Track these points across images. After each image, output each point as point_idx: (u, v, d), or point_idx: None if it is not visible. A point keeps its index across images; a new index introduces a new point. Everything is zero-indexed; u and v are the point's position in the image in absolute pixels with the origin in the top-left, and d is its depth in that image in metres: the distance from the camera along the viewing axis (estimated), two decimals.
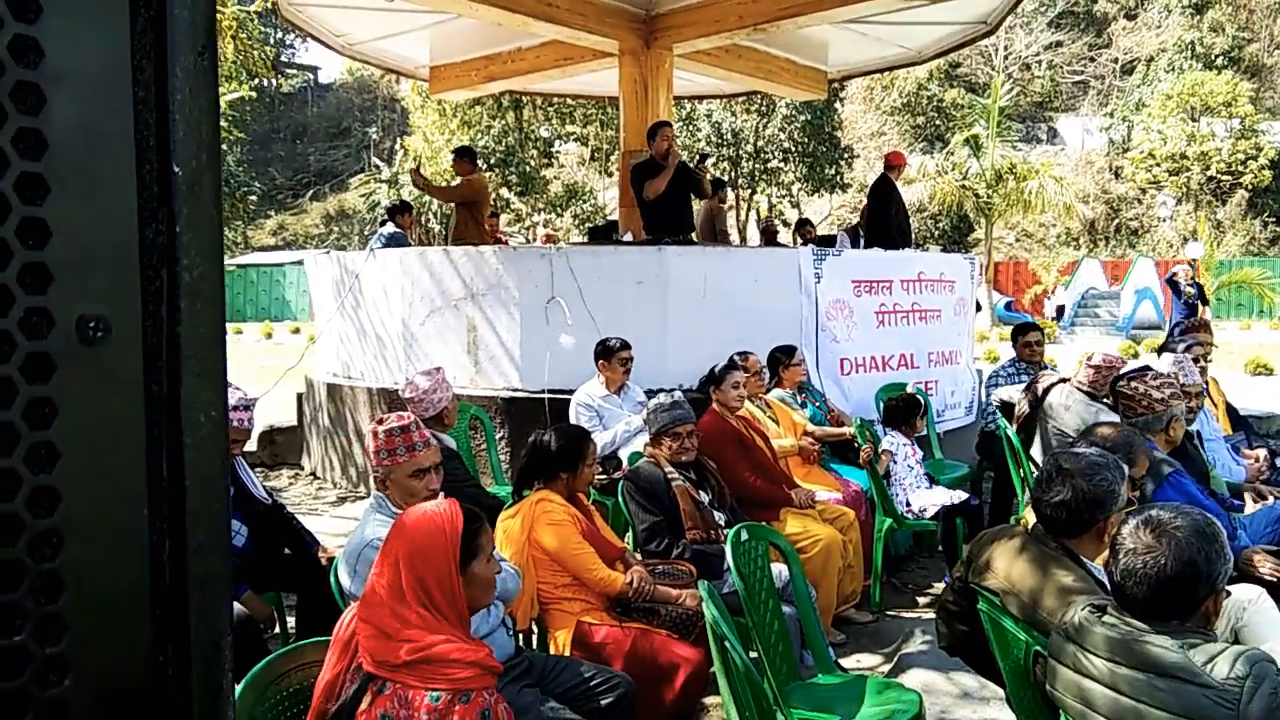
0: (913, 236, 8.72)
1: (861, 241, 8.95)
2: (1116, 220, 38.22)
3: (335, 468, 7.52)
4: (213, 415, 0.66)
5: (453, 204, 8.80)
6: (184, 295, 0.64)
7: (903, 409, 5.27)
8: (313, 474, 7.93)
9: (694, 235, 7.90)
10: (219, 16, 12.02)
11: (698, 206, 8.88)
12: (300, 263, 30.18)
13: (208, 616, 0.68)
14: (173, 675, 0.66)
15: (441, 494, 3.04)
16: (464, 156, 9.15)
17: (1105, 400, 4.66)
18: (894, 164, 8.95)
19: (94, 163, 0.62)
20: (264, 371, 10.47)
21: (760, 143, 26.78)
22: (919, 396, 5.44)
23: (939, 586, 5.08)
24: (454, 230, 8.61)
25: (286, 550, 3.99)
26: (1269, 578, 3.20)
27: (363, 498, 6.93)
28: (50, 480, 0.60)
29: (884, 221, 8.66)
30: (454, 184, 8.90)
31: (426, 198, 27.09)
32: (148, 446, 0.64)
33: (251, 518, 3.86)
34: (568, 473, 3.38)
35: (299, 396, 8.38)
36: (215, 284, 0.66)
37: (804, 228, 11.04)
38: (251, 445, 8.11)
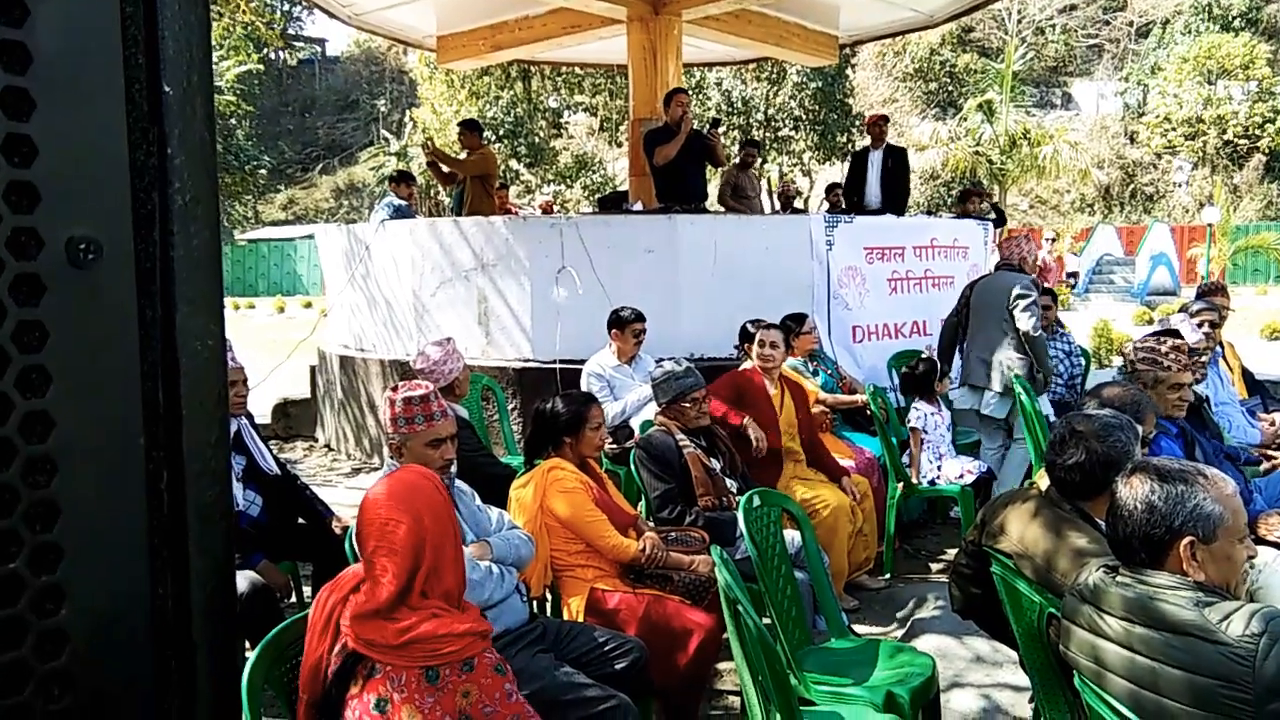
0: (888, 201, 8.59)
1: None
2: (1132, 186, 37.79)
3: (349, 439, 7.55)
4: (210, 344, 0.64)
5: (466, 177, 8.72)
6: (177, 219, 0.62)
7: (921, 376, 5.22)
8: (327, 446, 7.97)
9: (716, 203, 7.84)
10: None
11: (716, 177, 8.83)
12: (311, 237, 30.20)
13: (208, 548, 0.66)
14: (173, 608, 0.65)
15: (454, 464, 3.05)
16: (472, 129, 9.09)
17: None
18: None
19: (81, 79, 0.60)
20: (276, 345, 10.50)
21: (771, 111, 26.53)
22: (935, 360, 5.37)
23: (952, 552, 5.08)
24: (469, 203, 8.55)
25: (301, 520, 4.02)
26: None
27: (376, 469, 6.97)
28: (42, 405, 0.59)
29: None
30: (470, 157, 8.80)
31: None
32: (143, 373, 0.62)
33: (264, 488, 3.89)
34: (571, 437, 3.38)
35: (312, 369, 8.42)
36: (209, 209, 0.64)
37: (833, 192, 10.94)
38: (266, 418, 8.16)
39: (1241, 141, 35.04)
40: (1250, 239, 26.31)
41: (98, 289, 0.61)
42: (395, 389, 2.97)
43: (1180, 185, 36.59)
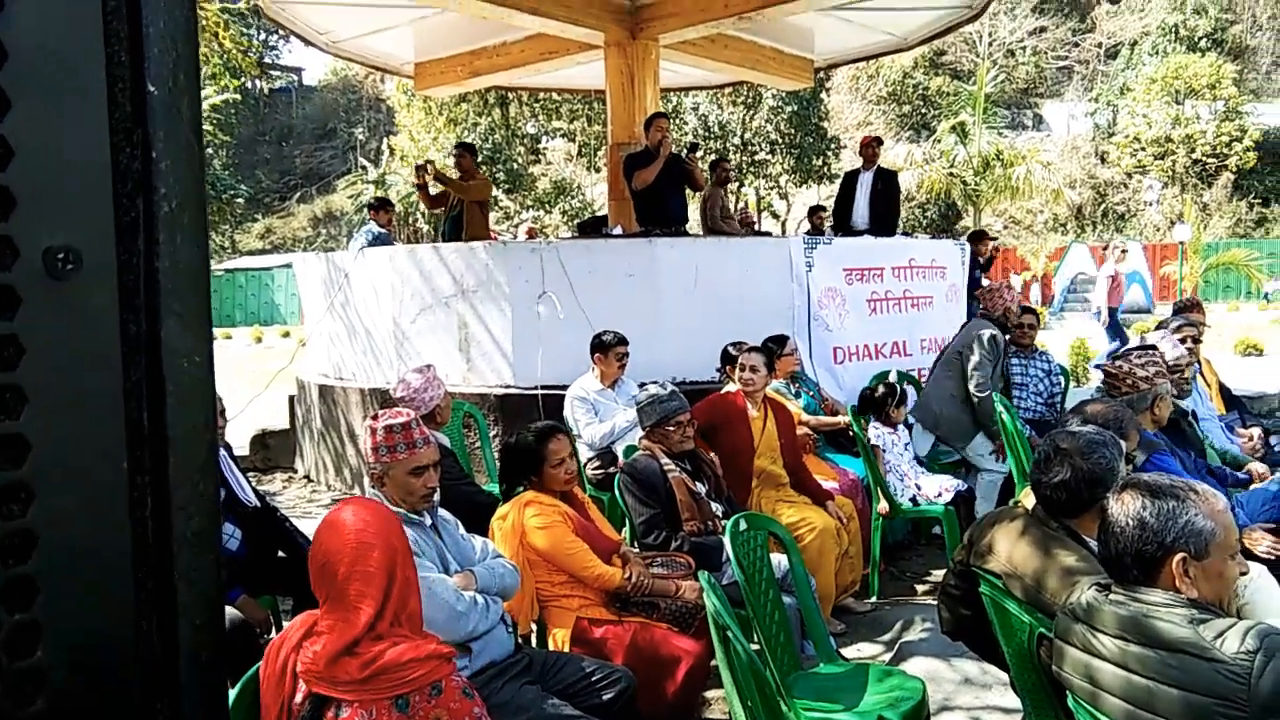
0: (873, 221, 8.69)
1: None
2: (1103, 205, 38.32)
3: (329, 469, 7.47)
4: (197, 361, 0.61)
5: (466, 201, 8.56)
6: (162, 227, 0.59)
7: (877, 400, 5.25)
8: (306, 477, 7.89)
9: (698, 225, 7.84)
10: (202, 15, 11.94)
11: (695, 200, 8.84)
12: (289, 266, 30.06)
13: (196, 580, 0.62)
14: (160, 646, 0.61)
15: (437, 492, 3.01)
16: (469, 152, 8.95)
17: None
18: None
19: (60, 77, 0.57)
20: (254, 375, 10.41)
21: (747, 135, 26.74)
22: (896, 386, 5.40)
23: (937, 574, 5.07)
24: (469, 228, 8.44)
25: (281, 554, 3.96)
26: (1266, 555, 3.20)
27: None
28: (18, 428, 0.56)
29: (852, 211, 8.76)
30: (473, 181, 8.68)
31: (415, 196, 26.99)
32: (126, 392, 0.58)
33: (243, 521, 3.82)
34: (534, 475, 3.34)
35: (290, 399, 8.34)
36: (197, 217, 0.61)
37: (816, 214, 11.01)
38: (244, 449, 8.07)
39: (1210, 160, 35.65)
40: (1221, 256, 26.69)
41: (77, 302, 0.58)
42: (376, 417, 2.93)
43: (1151, 204, 37.14)
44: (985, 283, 9.33)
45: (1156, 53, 38.37)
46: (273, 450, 8.41)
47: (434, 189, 8.83)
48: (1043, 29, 42.13)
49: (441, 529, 2.96)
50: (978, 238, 10.37)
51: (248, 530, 3.82)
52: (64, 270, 0.57)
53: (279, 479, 7.93)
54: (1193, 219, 27.57)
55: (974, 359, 5.22)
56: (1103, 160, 39.00)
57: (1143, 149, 36.49)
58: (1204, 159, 35.69)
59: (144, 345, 0.59)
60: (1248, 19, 40.53)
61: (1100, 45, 42.26)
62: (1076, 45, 42.78)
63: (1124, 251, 17.09)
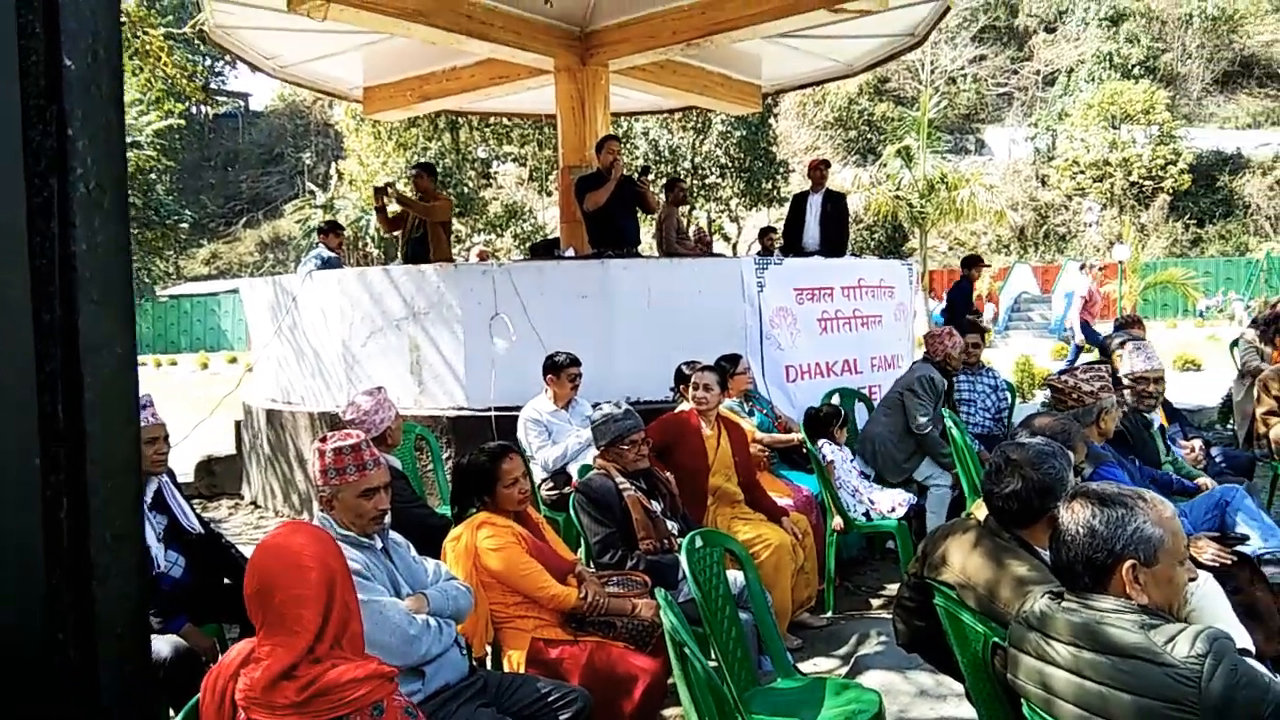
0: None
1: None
2: (1045, 226, 39.28)
3: (277, 495, 7.33)
4: (118, 351, 0.57)
5: (431, 222, 8.37)
6: (78, 208, 0.55)
7: (821, 419, 5.31)
8: (253, 503, 7.73)
9: (652, 247, 7.84)
10: (146, 41, 11.77)
11: (648, 222, 8.87)
12: (235, 291, 29.59)
13: (117, 586, 0.58)
14: (74, 657, 0.56)
15: (389, 515, 2.97)
16: (428, 173, 8.68)
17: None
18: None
19: None
20: (200, 402, 10.20)
21: (697, 159, 26.98)
22: (838, 407, 5.49)
23: (892, 588, 5.11)
24: (435, 250, 8.27)
25: (226, 580, 3.87)
26: (1211, 564, 3.27)
27: None
28: None
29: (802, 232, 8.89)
30: (435, 203, 8.48)
31: (364, 220, 26.78)
32: (39, 384, 0.55)
33: (187, 548, 3.73)
34: (487, 495, 3.31)
35: (237, 424, 8.18)
36: (116, 199, 0.57)
37: (767, 235, 11.11)
38: (189, 476, 7.89)
39: (1146, 182, 36.78)
40: (1159, 275, 27.46)
41: None
42: (324, 439, 2.88)
43: (1090, 225, 38.17)
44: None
45: (1092, 80, 39.57)
46: (218, 476, 8.23)
47: (392, 211, 8.67)
48: (982, 57, 43.24)
49: (393, 552, 2.91)
50: (973, 262, 10.44)
51: (192, 558, 3.73)
52: None
53: (225, 505, 7.76)
54: (1131, 239, 28.36)
55: (915, 401, 5.41)
56: (1043, 183, 40.03)
57: (1081, 172, 37.55)
58: (1140, 181, 36.81)
59: (60, 335, 0.56)
60: (1178, 47, 42.00)
61: (1038, 73, 43.48)
62: (1015, 73, 43.95)
63: (1101, 269, 17.29)
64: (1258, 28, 42.42)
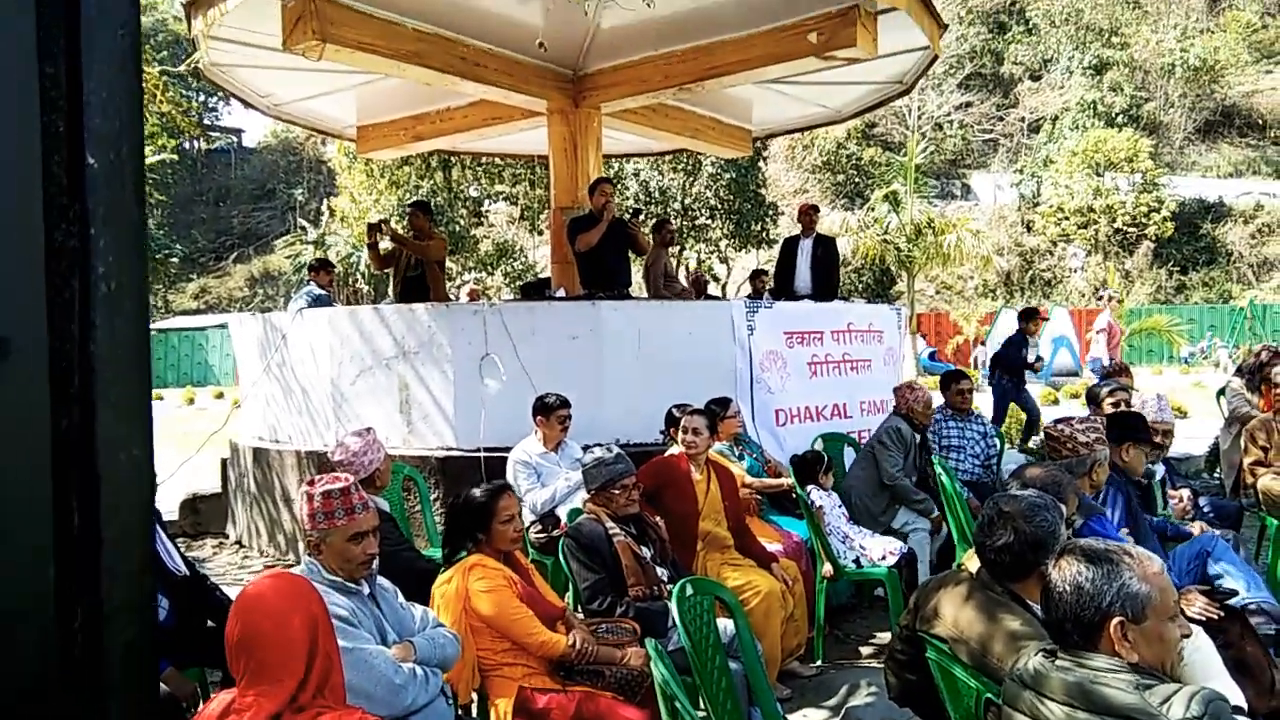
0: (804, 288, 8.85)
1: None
2: (1030, 271, 39.65)
3: (262, 535, 7.25)
4: (134, 454, 0.56)
5: (429, 260, 8.36)
6: (99, 308, 0.54)
7: (807, 465, 5.32)
8: (238, 542, 7.64)
9: (641, 289, 7.88)
10: (143, 77, 11.83)
11: (640, 264, 8.91)
12: (224, 326, 29.52)
13: (131, 698, 0.57)
14: None
15: (377, 559, 2.94)
16: (424, 211, 8.71)
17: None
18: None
19: None
20: (186, 438, 10.11)
21: (687, 200, 27.18)
22: (823, 454, 5.51)
23: (881, 636, 5.07)
24: (435, 288, 8.29)
25: (210, 623, 3.81)
26: (1198, 617, 3.26)
27: (291, 565, 6.69)
28: None
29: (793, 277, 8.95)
30: (429, 241, 8.50)
31: (355, 257, 26.79)
32: (55, 490, 0.53)
33: (171, 590, 3.68)
34: (482, 533, 3.29)
35: (223, 462, 8.11)
36: (137, 296, 0.56)
37: (758, 278, 11.17)
38: (173, 514, 7.80)
39: (1130, 229, 37.25)
40: (1144, 321, 27.66)
41: (3, 393, 0.53)
42: (313, 482, 2.86)
43: (1075, 271, 38.55)
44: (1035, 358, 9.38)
45: (1077, 127, 40.20)
46: (203, 515, 8.14)
47: (384, 248, 8.70)
48: (969, 104, 43.90)
49: (380, 598, 2.88)
50: (1028, 316, 10.15)
51: (176, 600, 3.67)
52: None
53: (209, 545, 7.66)
54: (1116, 285, 28.64)
55: (885, 453, 5.54)
56: (1028, 229, 40.48)
57: (1066, 218, 38.01)
58: (1124, 228, 37.28)
59: (76, 438, 0.54)
60: (1160, 97, 42.77)
61: (1023, 120, 44.15)
62: (1001, 119, 44.62)
63: (1119, 301, 16.98)
64: (1238, 78, 43.28)
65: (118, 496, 0.56)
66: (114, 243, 0.56)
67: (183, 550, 3.94)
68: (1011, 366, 9.95)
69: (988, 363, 10.72)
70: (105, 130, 0.56)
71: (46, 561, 0.54)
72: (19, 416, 0.53)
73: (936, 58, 8.17)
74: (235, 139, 54.15)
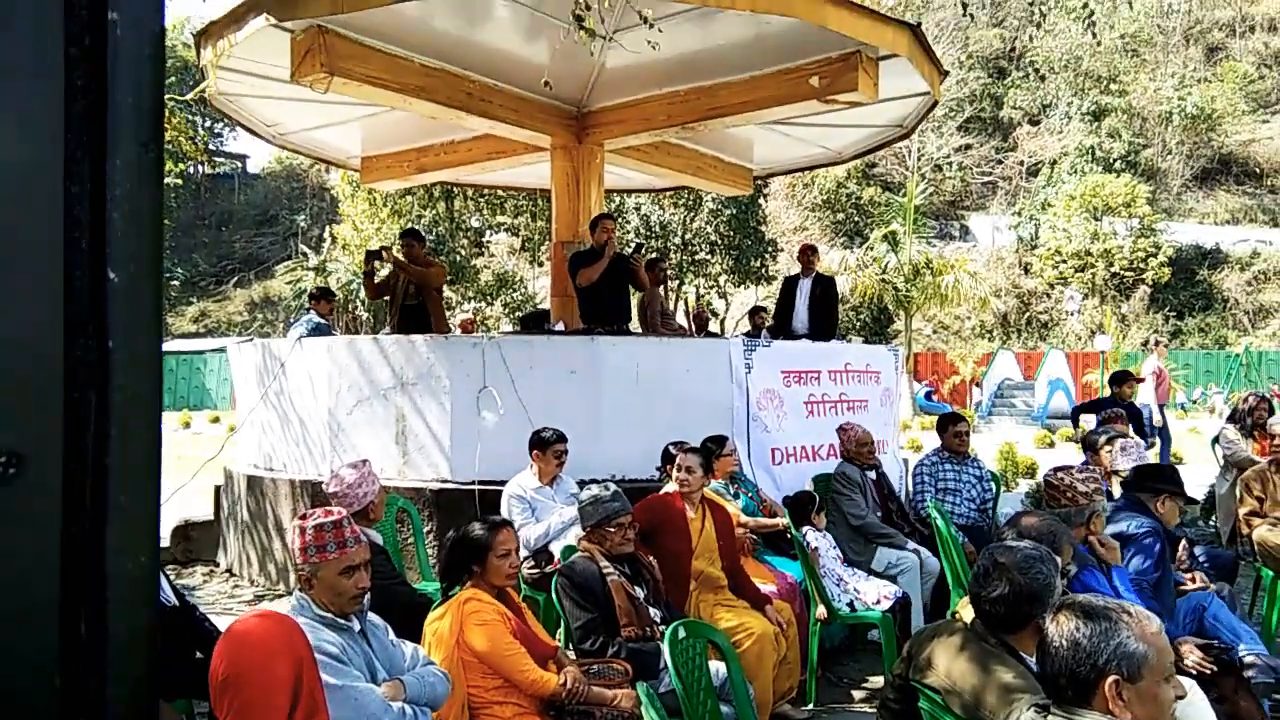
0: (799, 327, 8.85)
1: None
2: (1027, 313, 39.84)
3: (253, 564, 7.21)
4: (142, 561, 0.56)
5: (429, 288, 8.31)
6: (115, 420, 0.54)
7: (800, 505, 5.32)
8: (229, 571, 7.59)
9: (637, 325, 7.89)
10: None
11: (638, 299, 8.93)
12: (222, 350, 29.51)
13: None
14: None
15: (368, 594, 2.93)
16: (418, 240, 8.59)
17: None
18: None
19: (12, 267, 0.53)
20: (181, 463, 10.07)
21: (688, 235, 27.37)
22: (814, 494, 5.52)
23: (874, 680, 5.04)
24: (435, 316, 8.25)
25: (199, 654, 3.78)
26: (1193, 670, 3.25)
27: (281, 595, 6.65)
28: None
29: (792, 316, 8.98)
30: (430, 269, 8.47)
31: (355, 284, 26.88)
32: (62, 602, 0.52)
33: (161, 620, 3.66)
34: (478, 565, 3.28)
35: (216, 489, 8.07)
36: (151, 406, 0.56)
37: (757, 314, 11.21)
38: (165, 540, 7.76)
39: (1127, 274, 37.48)
40: (1140, 366, 27.76)
41: (15, 509, 0.53)
42: (305, 516, 2.85)
43: (1072, 314, 38.70)
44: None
45: (1075, 172, 40.59)
46: (195, 543, 8.09)
47: (380, 276, 8.68)
48: (968, 146, 44.35)
49: (370, 635, 2.87)
50: (1122, 379, 9.50)
51: (164, 630, 3.65)
52: (5, 475, 0.52)
53: (200, 573, 7.61)
54: (1112, 329, 28.78)
55: (843, 499, 5.61)
56: (1026, 271, 40.72)
57: (1064, 261, 38.26)
58: (1121, 272, 37.52)
59: (86, 550, 0.54)
60: (1158, 144, 43.23)
61: (1022, 163, 44.57)
62: (1000, 162, 45.05)
63: (1165, 345, 16.32)
64: (1235, 127, 43.77)
65: (124, 606, 0.56)
66: (132, 356, 0.56)
67: (172, 579, 3.91)
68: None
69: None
70: (127, 246, 0.56)
71: (52, 673, 0.54)
72: (29, 530, 0.53)
73: (936, 103, 8.27)
74: (240, 164, 54.49)
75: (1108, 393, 9.70)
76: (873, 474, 5.92)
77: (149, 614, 0.57)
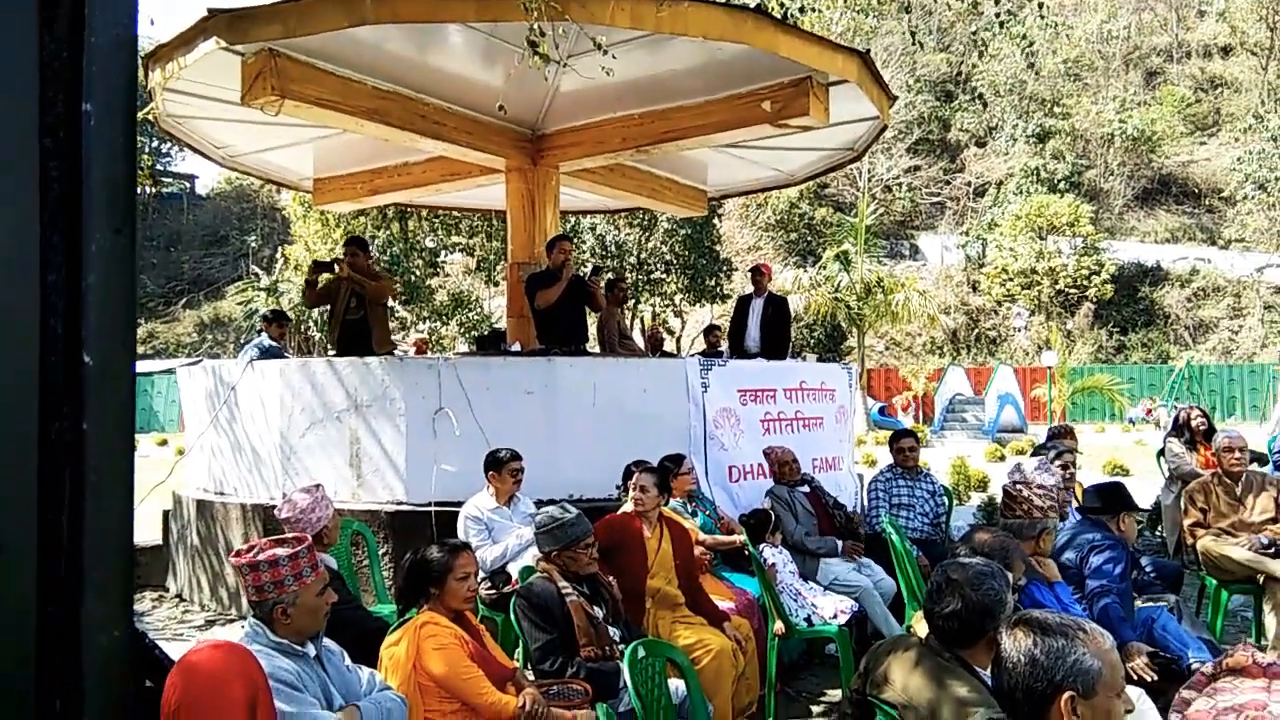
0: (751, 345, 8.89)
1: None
2: (976, 330, 40.53)
3: (204, 589, 7.07)
4: (115, 635, 0.55)
5: (371, 300, 7.96)
6: (89, 498, 0.54)
7: (755, 525, 5.36)
8: (179, 596, 7.44)
9: (595, 345, 7.85)
10: None
11: (595, 319, 8.94)
12: (170, 372, 28.94)
13: None
14: None
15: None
16: (363, 248, 8.15)
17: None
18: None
19: None
20: None
21: (643, 255, 27.47)
22: (769, 513, 5.56)
23: (832, 693, 5.08)
24: (378, 331, 7.84)
25: (149, 683, 3.70)
26: (1135, 674, 3.33)
27: (234, 620, 6.53)
28: None
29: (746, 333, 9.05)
30: (380, 281, 8.05)
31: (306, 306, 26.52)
32: (38, 678, 0.52)
33: None
34: (436, 588, 3.26)
35: (165, 514, 7.92)
36: (125, 483, 0.56)
37: (712, 333, 11.28)
38: None
39: (1072, 291, 38.34)
40: (1086, 380, 28.40)
41: None
42: (266, 548, 2.75)
43: (1020, 330, 39.48)
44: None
45: (1020, 192, 41.48)
46: (143, 568, 7.90)
47: (320, 286, 8.19)
48: (917, 168, 45.14)
49: (325, 660, 2.84)
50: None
51: None
52: None
53: (149, 598, 7.45)
54: (1058, 345, 29.40)
55: (781, 519, 5.63)
56: (974, 289, 41.47)
57: (1010, 279, 39.02)
58: (1066, 290, 38.37)
59: (62, 626, 0.54)
60: (1101, 165, 44.37)
61: (969, 184, 45.46)
62: (948, 183, 45.90)
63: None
64: (1174, 148, 45.08)
65: (100, 679, 0.56)
66: (105, 435, 0.56)
67: None
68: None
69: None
70: (101, 330, 0.56)
71: None
72: (7, 610, 0.53)
73: (886, 127, 8.43)
74: (188, 185, 53.62)
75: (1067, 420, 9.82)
76: (805, 489, 5.98)
77: (123, 684, 0.57)
